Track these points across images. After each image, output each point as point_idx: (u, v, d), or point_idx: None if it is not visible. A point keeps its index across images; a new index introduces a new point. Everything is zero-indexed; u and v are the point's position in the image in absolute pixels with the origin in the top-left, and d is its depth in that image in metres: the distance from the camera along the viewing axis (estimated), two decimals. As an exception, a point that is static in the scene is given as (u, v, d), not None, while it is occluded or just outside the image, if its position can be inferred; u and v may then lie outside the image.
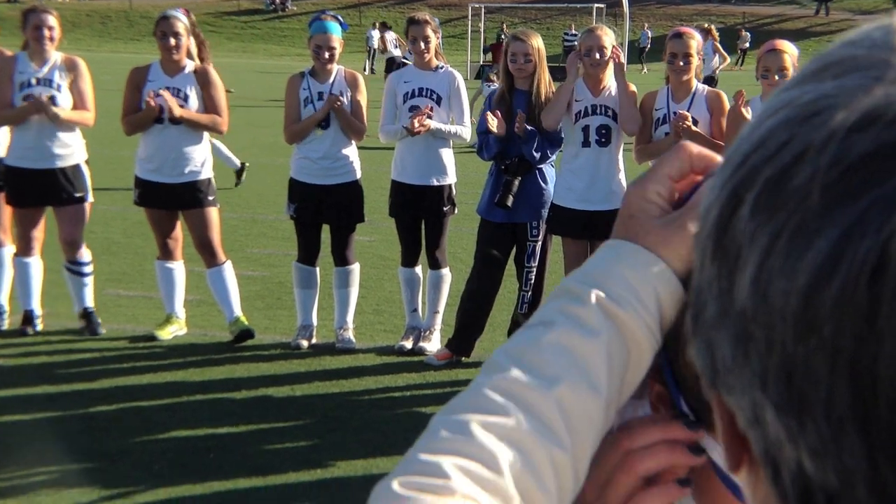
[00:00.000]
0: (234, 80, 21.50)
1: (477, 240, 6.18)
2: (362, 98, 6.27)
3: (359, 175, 6.33)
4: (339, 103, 6.08)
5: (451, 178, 6.28)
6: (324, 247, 6.45)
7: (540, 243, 6.05)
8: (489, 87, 13.64)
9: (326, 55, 6.12)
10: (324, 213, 6.28)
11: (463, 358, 6.17)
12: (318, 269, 6.43)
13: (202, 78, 6.26)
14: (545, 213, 5.95)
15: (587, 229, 5.71)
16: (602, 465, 0.81)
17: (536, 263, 6.07)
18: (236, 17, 50.95)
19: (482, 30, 37.90)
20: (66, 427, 5.14)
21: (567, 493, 0.76)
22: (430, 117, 6.09)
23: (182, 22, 6.21)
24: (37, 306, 6.56)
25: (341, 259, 6.39)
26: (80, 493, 4.46)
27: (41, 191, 6.31)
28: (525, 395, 0.76)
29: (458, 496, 0.71)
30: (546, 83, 5.97)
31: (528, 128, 5.81)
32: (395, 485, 0.71)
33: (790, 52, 5.45)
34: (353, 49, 30.79)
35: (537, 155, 5.87)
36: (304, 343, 6.37)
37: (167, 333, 6.49)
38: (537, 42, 5.99)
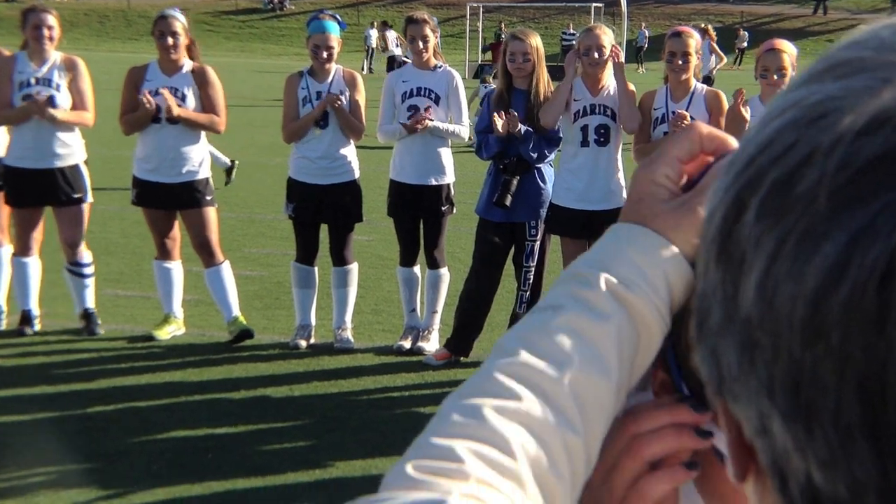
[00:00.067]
0: (232, 80, 21.49)
1: (475, 239, 6.18)
2: (361, 97, 6.27)
3: (357, 175, 6.33)
4: (338, 102, 6.08)
5: (449, 178, 6.27)
6: (322, 246, 6.44)
7: (538, 243, 6.05)
8: (486, 87, 13.63)
9: (325, 54, 6.12)
10: (322, 212, 6.28)
11: (461, 358, 6.16)
12: (316, 268, 6.43)
13: (200, 77, 6.25)
14: (544, 212, 5.94)
15: (586, 229, 5.70)
16: (608, 450, 0.80)
17: (535, 263, 6.06)
18: (234, 17, 50.94)
19: (480, 29, 37.91)
20: (64, 427, 5.13)
21: (580, 477, 0.76)
22: (430, 119, 6.09)
23: (180, 21, 6.21)
24: (35, 306, 6.55)
25: (340, 259, 6.38)
26: (79, 493, 4.46)
27: (40, 191, 6.30)
28: (537, 380, 0.75)
29: (473, 480, 0.70)
30: (545, 82, 5.97)
31: (525, 128, 5.81)
32: (409, 468, 0.70)
33: (789, 51, 5.45)
34: (352, 48, 30.80)
35: (534, 154, 5.87)
36: (303, 343, 6.36)
37: (165, 333, 6.48)
38: (536, 41, 5.98)
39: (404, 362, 6.18)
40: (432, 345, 6.34)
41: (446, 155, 6.29)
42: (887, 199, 0.41)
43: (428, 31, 6.20)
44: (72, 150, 6.38)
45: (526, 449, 0.72)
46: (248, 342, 6.37)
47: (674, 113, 5.58)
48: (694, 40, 5.67)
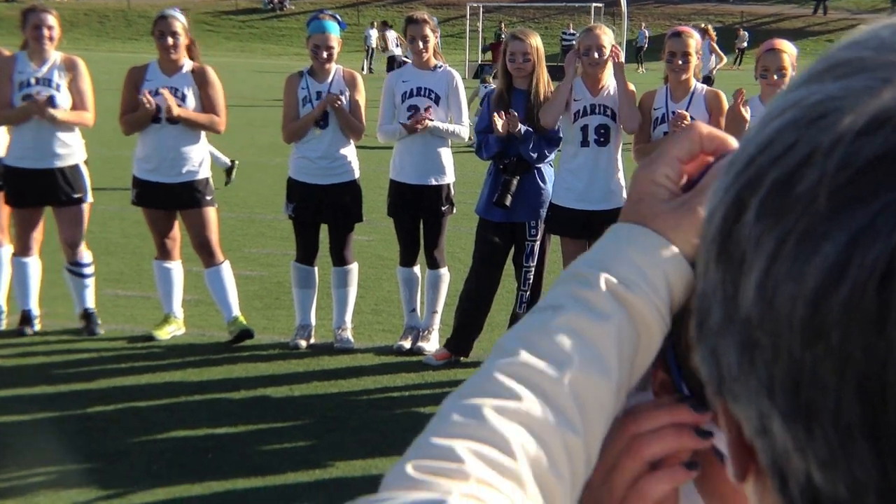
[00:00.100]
0: (232, 80, 21.49)
1: (475, 239, 6.18)
2: (361, 97, 6.27)
3: (357, 174, 6.33)
4: (338, 102, 6.08)
5: (449, 178, 6.27)
6: (322, 246, 6.44)
7: (538, 243, 6.05)
8: (486, 87, 13.63)
9: (325, 54, 6.12)
10: (322, 212, 6.28)
11: (461, 358, 6.16)
12: (316, 268, 6.43)
13: (200, 77, 6.25)
14: (544, 212, 5.94)
15: (586, 229, 5.70)
16: (608, 450, 0.80)
17: (535, 263, 6.06)
18: (234, 17, 50.93)
19: (480, 29, 37.90)
20: (64, 427, 5.13)
21: (580, 477, 0.76)
22: (430, 119, 6.09)
23: (180, 21, 6.21)
24: (35, 306, 6.55)
25: (340, 259, 6.38)
26: (78, 493, 4.45)
27: (40, 191, 6.30)
28: (537, 380, 0.75)
29: (473, 480, 0.70)
30: (545, 82, 5.97)
31: (525, 128, 5.81)
32: (409, 468, 0.70)
33: (789, 51, 5.44)
34: (352, 48, 30.80)
35: (534, 154, 5.86)
36: (303, 343, 6.36)
37: (165, 333, 6.48)
38: (536, 41, 5.98)
39: (404, 362, 6.18)
40: (432, 345, 6.33)
41: (446, 155, 6.29)
42: (887, 199, 0.41)
43: (428, 31, 6.20)
44: (72, 150, 6.38)
45: (526, 449, 0.72)
46: (248, 342, 6.37)
47: (674, 113, 5.57)
48: (694, 40, 5.67)
